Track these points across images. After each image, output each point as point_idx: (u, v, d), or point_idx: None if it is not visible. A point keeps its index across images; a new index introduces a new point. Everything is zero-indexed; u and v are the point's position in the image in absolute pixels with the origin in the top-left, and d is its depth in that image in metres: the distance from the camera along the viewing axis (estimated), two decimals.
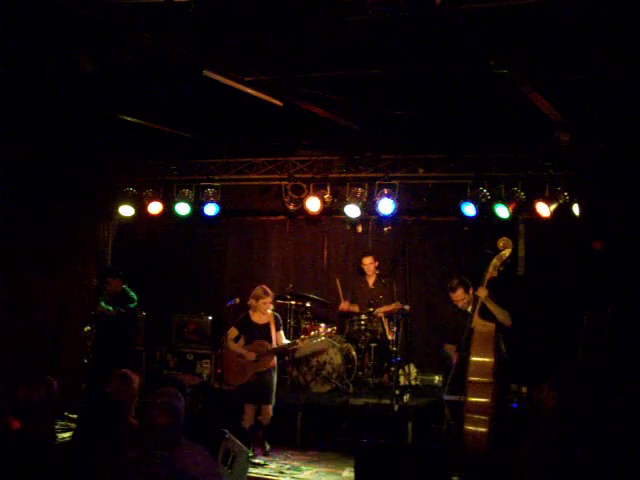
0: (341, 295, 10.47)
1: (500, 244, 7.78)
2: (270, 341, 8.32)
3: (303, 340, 8.82)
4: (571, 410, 5.04)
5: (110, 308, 9.31)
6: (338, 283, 10.56)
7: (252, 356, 8.25)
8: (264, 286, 8.55)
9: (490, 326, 7.57)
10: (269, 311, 8.43)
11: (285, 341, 8.55)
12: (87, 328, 9.21)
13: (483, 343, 7.50)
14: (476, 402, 7.37)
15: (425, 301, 10.77)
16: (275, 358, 8.39)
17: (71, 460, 4.44)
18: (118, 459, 4.21)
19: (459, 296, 8.04)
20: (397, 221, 10.27)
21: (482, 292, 7.67)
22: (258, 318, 8.42)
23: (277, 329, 8.39)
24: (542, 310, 9.39)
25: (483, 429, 7.31)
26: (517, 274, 9.75)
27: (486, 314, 7.65)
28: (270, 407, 8.33)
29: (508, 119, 8.09)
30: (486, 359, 7.46)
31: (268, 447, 8.42)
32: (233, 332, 8.46)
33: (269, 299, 8.40)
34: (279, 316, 8.55)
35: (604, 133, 7.91)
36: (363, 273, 10.37)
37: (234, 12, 5.51)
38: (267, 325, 8.39)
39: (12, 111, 8.20)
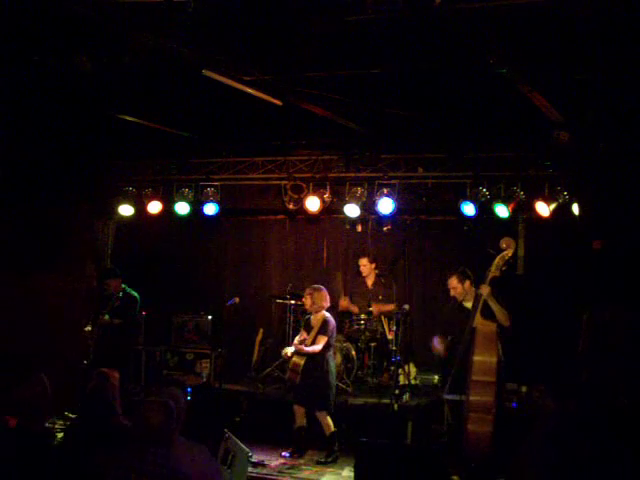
0: (342, 290, 10.47)
1: (503, 244, 7.76)
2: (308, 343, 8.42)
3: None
4: (571, 410, 5.04)
5: (115, 321, 9.26)
6: (339, 278, 10.56)
7: (284, 354, 8.59)
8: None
9: (492, 325, 7.56)
10: (320, 314, 8.46)
11: (305, 348, 8.38)
12: (87, 329, 9.19)
13: (486, 342, 7.48)
14: (479, 401, 7.34)
15: (425, 300, 10.79)
16: (303, 361, 8.32)
17: (63, 459, 4.45)
18: (108, 457, 4.21)
19: (452, 283, 8.03)
20: (397, 220, 10.28)
21: (485, 289, 7.64)
22: (313, 318, 8.56)
23: (317, 332, 8.36)
24: (541, 310, 9.39)
25: (487, 429, 7.28)
26: (516, 273, 9.75)
27: (487, 313, 7.64)
28: (322, 414, 8.25)
29: (508, 119, 8.09)
30: (489, 358, 7.44)
31: (330, 458, 8.24)
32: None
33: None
34: (328, 321, 8.41)
35: (604, 133, 7.91)
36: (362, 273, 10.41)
37: (234, 12, 5.51)
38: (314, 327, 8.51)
39: (12, 111, 8.19)
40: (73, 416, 7.67)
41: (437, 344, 8.11)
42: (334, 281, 10.72)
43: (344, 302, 10.32)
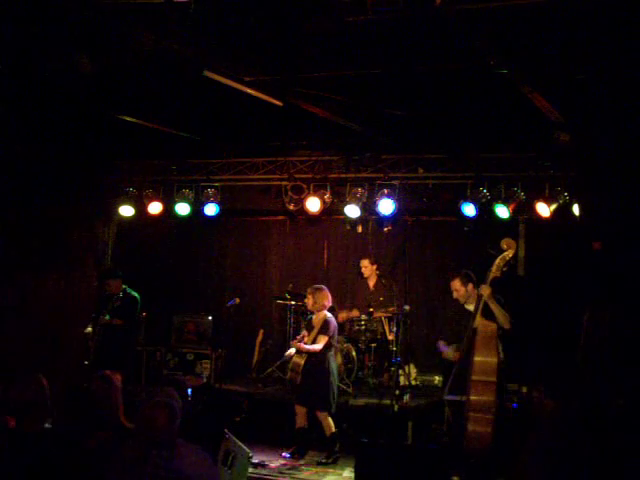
0: (336, 305, 10.49)
1: (503, 245, 7.74)
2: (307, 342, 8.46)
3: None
4: (571, 411, 5.04)
5: (115, 321, 9.22)
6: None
7: (289, 352, 8.59)
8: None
9: (493, 326, 7.55)
10: (322, 313, 8.45)
11: (304, 346, 8.41)
12: (88, 329, 9.18)
13: (486, 343, 7.48)
14: (480, 401, 7.33)
15: (425, 301, 10.79)
16: (303, 360, 8.32)
17: (63, 460, 4.45)
18: (109, 459, 4.21)
19: (455, 285, 8.01)
20: (397, 221, 10.26)
21: (485, 290, 7.62)
22: (315, 318, 8.56)
23: (318, 332, 8.36)
24: (541, 310, 9.38)
25: (487, 429, 7.25)
26: (517, 274, 9.75)
27: (488, 314, 7.64)
28: (323, 415, 8.25)
29: (508, 119, 8.08)
30: (490, 358, 7.43)
31: (330, 459, 8.21)
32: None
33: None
34: (329, 322, 8.40)
35: (604, 133, 7.91)
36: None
37: (234, 12, 5.51)
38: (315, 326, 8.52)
39: (12, 111, 8.19)
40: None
41: (444, 348, 8.04)
42: (334, 286, 10.70)
43: (343, 314, 10.30)
